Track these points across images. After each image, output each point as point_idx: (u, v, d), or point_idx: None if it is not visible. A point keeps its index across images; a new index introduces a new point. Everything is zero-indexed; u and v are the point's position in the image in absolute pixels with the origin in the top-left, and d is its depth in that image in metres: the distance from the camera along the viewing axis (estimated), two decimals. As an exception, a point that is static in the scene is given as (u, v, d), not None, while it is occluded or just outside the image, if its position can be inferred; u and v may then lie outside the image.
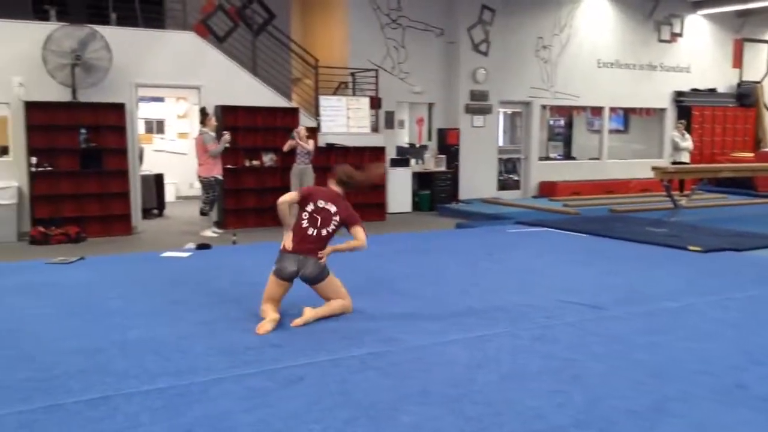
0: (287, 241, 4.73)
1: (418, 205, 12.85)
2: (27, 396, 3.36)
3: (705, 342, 4.31)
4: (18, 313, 4.93)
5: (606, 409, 3.25)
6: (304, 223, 4.73)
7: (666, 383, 3.59)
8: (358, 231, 4.83)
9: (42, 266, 6.79)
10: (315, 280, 4.74)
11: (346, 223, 4.84)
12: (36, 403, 3.26)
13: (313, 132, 11.07)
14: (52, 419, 3.09)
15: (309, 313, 4.65)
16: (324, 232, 4.74)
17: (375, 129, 12.17)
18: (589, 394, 3.43)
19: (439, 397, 3.38)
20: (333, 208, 4.78)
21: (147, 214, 11.29)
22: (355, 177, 4.97)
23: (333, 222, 4.76)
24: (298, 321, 4.58)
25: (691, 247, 7.64)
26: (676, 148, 13.82)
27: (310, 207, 4.76)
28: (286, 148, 10.20)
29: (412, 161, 12.88)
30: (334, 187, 4.93)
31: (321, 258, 4.71)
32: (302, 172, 10.16)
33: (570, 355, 4.02)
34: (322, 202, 4.78)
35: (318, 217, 4.74)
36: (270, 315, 4.58)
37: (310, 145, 10.17)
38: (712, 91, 16.81)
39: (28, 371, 3.71)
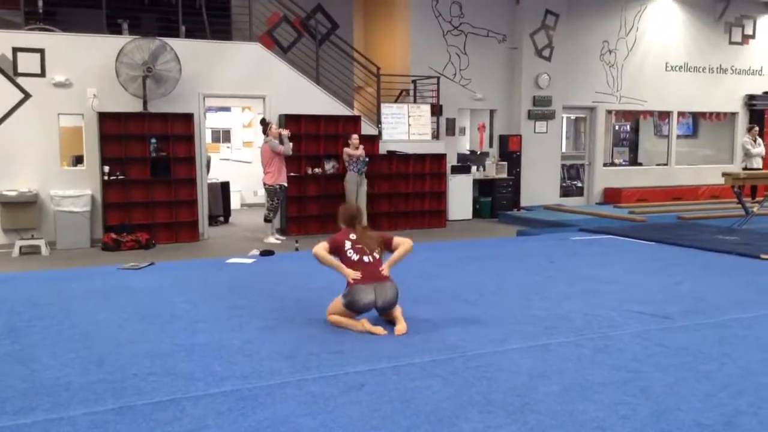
0: (352, 274, 4.71)
1: (478, 212, 12.78)
2: (99, 397, 3.48)
3: (778, 355, 4.16)
4: (91, 317, 5.12)
5: (673, 422, 3.16)
6: (355, 258, 4.77)
7: (737, 396, 3.48)
8: (400, 240, 4.93)
9: (113, 271, 7.02)
10: (393, 305, 4.76)
11: (386, 244, 4.92)
12: (107, 405, 3.38)
13: (373, 139, 11.17)
14: (123, 420, 3.20)
15: (401, 321, 4.73)
16: (376, 255, 4.83)
17: (436, 136, 12.18)
18: (656, 406, 3.35)
19: (501, 405, 3.36)
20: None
21: (213, 221, 11.57)
22: (348, 213, 5.02)
23: (376, 246, 4.86)
24: (401, 328, 4.63)
25: (764, 256, 7.38)
26: (748, 155, 13.35)
27: (347, 245, 4.82)
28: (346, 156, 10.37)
29: (473, 168, 12.81)
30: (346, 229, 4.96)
31: (385, 272, 4.74)
32: (357, 182, 10.30)
33: (635, 366, 3.93)
34: (353, 235, 4.87)
35: (361, 245, 4.82)
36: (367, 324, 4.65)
37: (359, 150, 10.33)
38: (787, 94, 16.22)
39: (100, 373, 3.84)
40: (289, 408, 3.33)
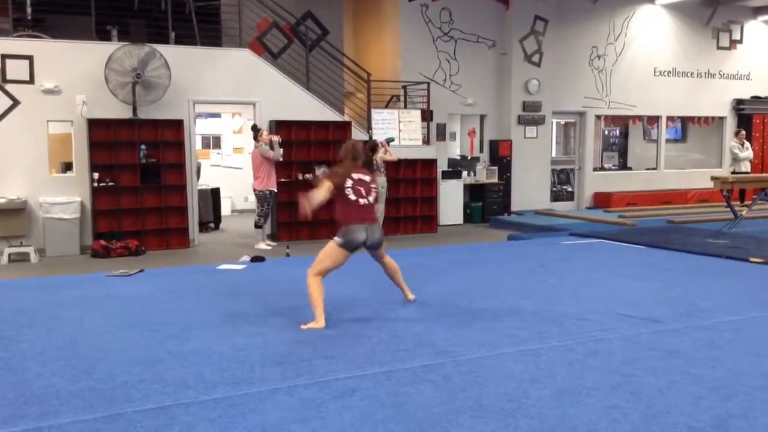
0: (308, 208, 5.03)
1: (469, 217, 12.80)
2: (89, 405, 3.46)
3: (767, 356, 4.18)
4: (80, 325, 5.09)
5: (665, 426, 3.17)
6: (352, 198, 5.08)
7: (727, 399, 3.49)
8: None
9: (103, 279, 6.98)
10: (379, 244, 5.25)
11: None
12: (98, 412, 3.36)
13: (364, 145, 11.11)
14: (113, 428, 3.18)
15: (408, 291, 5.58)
16: (371, 198, 5.16)
17: (426, 141, 12.19)
18: (647, 409, 3.36)
19: (493, 411, 3.36)
20: (367, 177, 5.21)
21: (203, 227, 11.53)
22: (358, 148, 5.34)
23: (373, 189, 5.19)
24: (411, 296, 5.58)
25: (753, 259, 7.42)
26: (736, 159, 13.44)
27: (348, 183, 5.08)
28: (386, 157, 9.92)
29: (464, 173, 12.84)
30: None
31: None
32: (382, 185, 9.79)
33: (626, 370, 3.94)
34: (356, 175, 5.14)
35: (361, 188, 5.11)
36: (322, 322, 4.89)
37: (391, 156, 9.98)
38: (774, 98, 16.32)
39: (90, 381, 3.82)
40: (280, 414, 3.32)
